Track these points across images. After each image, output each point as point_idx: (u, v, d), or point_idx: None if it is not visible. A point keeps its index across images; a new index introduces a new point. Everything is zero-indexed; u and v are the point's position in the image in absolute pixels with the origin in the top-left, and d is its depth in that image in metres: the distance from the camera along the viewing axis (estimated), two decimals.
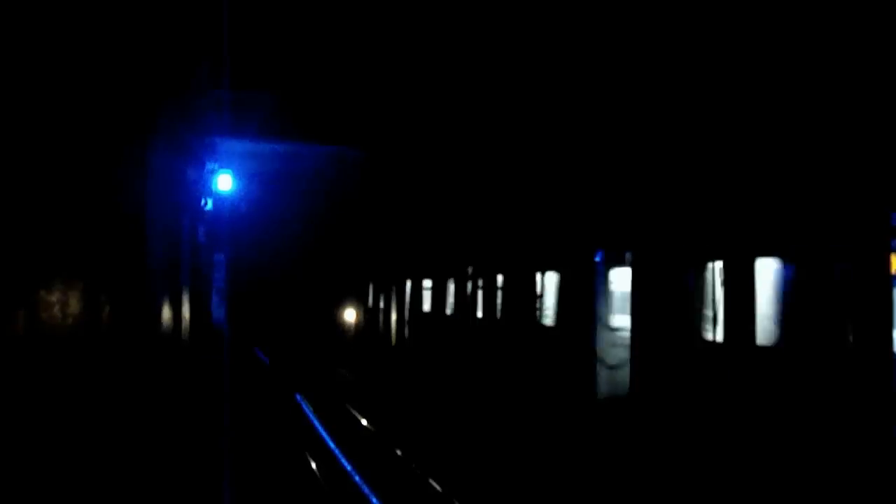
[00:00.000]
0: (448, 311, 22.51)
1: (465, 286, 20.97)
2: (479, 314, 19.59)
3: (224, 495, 9.38)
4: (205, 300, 20.15)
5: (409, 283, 27.28)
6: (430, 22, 17.82)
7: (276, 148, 21.49)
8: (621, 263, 13.17)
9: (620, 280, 13.42)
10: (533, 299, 16.34)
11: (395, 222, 28.01)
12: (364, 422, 17.19)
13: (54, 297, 3.08)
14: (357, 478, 12.10)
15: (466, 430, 15.90)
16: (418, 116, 20.47)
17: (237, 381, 22.11)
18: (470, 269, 20.51)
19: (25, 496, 2.68)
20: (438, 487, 11.40)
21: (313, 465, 13.19)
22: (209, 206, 19.31)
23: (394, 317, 29.26)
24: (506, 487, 11.42)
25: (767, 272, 9.39)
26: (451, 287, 22.34)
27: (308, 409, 18.80)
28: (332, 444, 14.62)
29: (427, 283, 25.11)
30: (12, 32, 2.64)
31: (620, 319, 13.43)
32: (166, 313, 8.59)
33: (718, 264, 10.22)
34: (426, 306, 25.16)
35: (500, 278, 18.28)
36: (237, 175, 20.76)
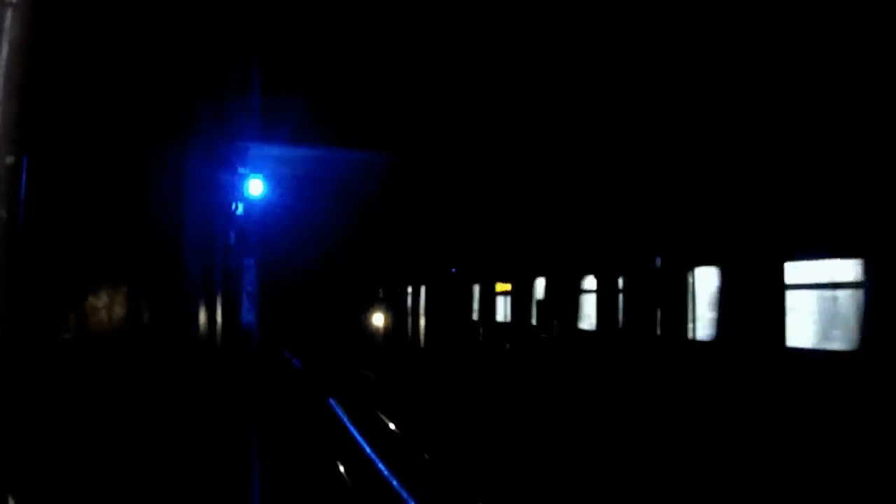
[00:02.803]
0: (475, 315, 22.47)
1: (493, 291, 20.93)
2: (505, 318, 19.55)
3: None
4: (236, 303, 20.26)
5: (437, 289, 27.27)
6: (465, 35, 17.75)
7: (308, 152, 21.57)
8: None
9: None
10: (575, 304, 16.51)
11: (418, 228, 28.01)
12: (393, 426, 17.19)
13: (101, 303, 3.14)
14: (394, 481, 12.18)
15: (488, 428, 15.85)
16: (450, 121, 20.45)
17: (270, 385, 22.24)
18: (509, 274, 20.46)
19: (84, 480, 2.79)
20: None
21: (342, 472, 13.22)
22: (240, 210, 19.41)
23: (422, 321, 29.26)
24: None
25: None
26: (476, 291, 22.30)
27: (342, 414, 18.87)
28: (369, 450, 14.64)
29: (456, 287, 25.09)
30: (61, 49, 2.69)
31: None
32: (201, 317, 8.68)
33: None
34: (452, 310, 25.13)
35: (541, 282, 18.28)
36: (268, 179, 20.89)
